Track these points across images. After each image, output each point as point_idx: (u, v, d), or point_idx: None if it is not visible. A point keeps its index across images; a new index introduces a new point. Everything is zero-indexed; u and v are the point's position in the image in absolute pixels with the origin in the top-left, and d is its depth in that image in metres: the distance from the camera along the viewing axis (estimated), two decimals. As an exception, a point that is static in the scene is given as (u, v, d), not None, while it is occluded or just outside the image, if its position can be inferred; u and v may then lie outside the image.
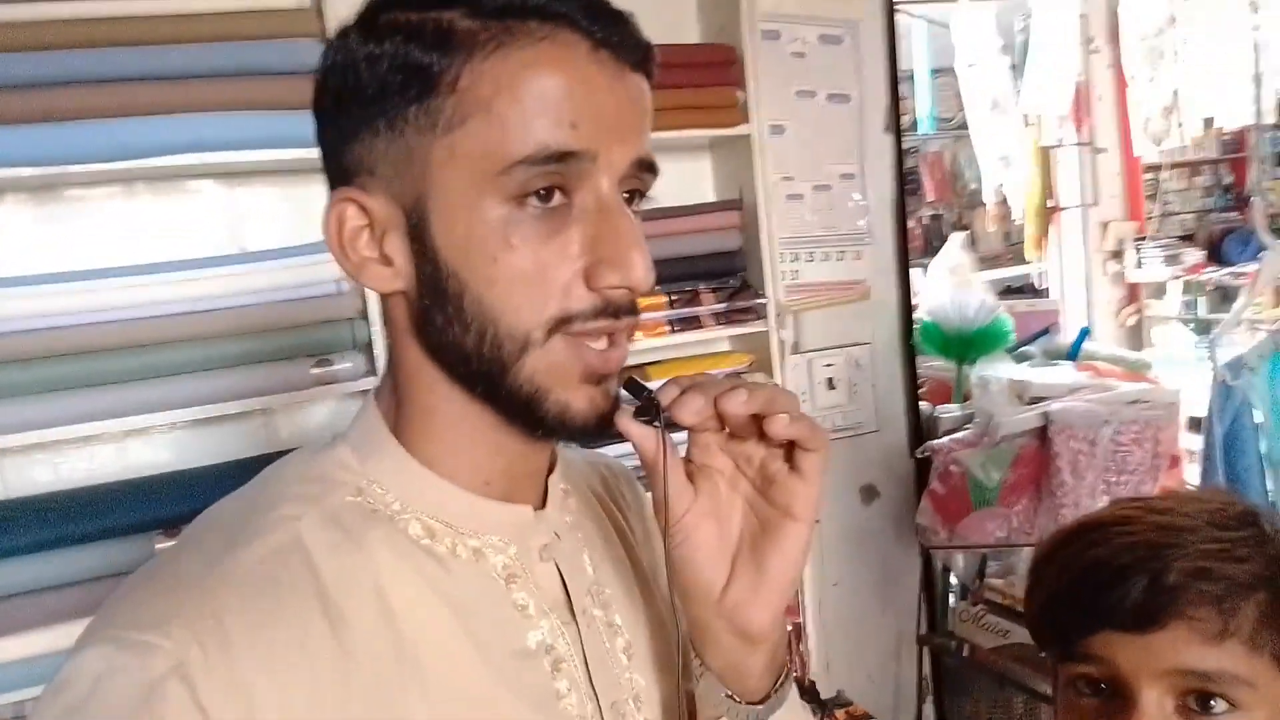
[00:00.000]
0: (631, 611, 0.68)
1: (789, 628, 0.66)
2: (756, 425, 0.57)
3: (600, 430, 0.57)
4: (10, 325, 1.39)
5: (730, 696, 0.63)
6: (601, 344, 0.57)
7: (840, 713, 1.94)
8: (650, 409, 0.57)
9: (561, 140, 0.52)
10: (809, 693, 1.95)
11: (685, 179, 2.00)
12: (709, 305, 1.86)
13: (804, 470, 0.58)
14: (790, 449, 0.58)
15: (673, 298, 1.84)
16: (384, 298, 0.59)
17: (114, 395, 1.45)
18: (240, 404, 1.52)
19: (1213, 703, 0.69)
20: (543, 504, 0.65)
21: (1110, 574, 0.71)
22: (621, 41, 0.55)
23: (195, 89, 1.45)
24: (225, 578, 0.52)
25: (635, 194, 0.58)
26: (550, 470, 0.66)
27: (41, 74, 1.37)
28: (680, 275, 1.85)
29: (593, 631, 0.64)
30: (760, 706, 0.63)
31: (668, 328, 1.83)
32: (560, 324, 0.55)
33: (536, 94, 0.52)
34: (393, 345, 0.60)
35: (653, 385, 0.58)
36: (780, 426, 0.56)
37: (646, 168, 0.57)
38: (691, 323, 1.85)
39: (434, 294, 0.55)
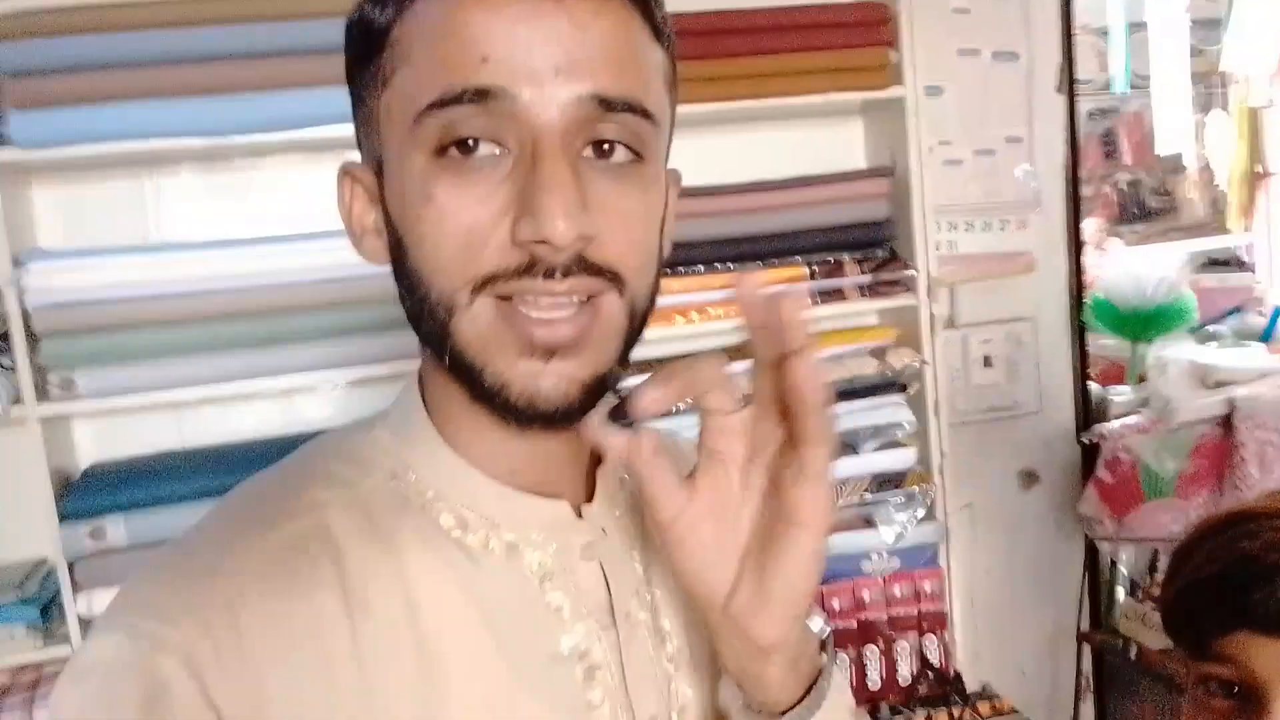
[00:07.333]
0: (681, 615, 0.61)
1: (827, 628, 0.58)
2: (780, 410, 0.50)
3: (573, 417, 0.51)
4: (185, 287, 1.50)
5: (749, 706, 0.56)
6: (547, 312, 0.50)
7: (984, 705, 1.86)
8: (619, 408, 0.50)
9: (467, 78, 0.47)
10: (952, 684, 1.87)
11: (835, 145, 1.93)
12: (853, 277, 1.80)
13: (811, 471, 0.49)
14: (795, 451, 0.49)
15: (814, 268, 1.78)
16: None
17: (279, 354, 1.55)
18: (392, 366, 1.60)
19: None
20: (589, 497, 0.60)
21: (1255, 571, 0.65)
22: None
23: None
24: (243, 564, 0.51)
25: (612, 145, 0.50)
26: (601, 459, 0.60)
27: (204, 49, 1.46)
28: (821, 245, 1.79)
29: (636, 638, 0.59)
30: (783, 718, 0.55)
31: (809, 300, 1.78)
32: (485, 284, 0.49)
33: (449, 34, 0.48)
34: None
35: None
36: (805, 368, 0.47)
37: (614, 107, 0.49)
38: (834, 295, 1.79)
39: (395, 261, 0.53)
